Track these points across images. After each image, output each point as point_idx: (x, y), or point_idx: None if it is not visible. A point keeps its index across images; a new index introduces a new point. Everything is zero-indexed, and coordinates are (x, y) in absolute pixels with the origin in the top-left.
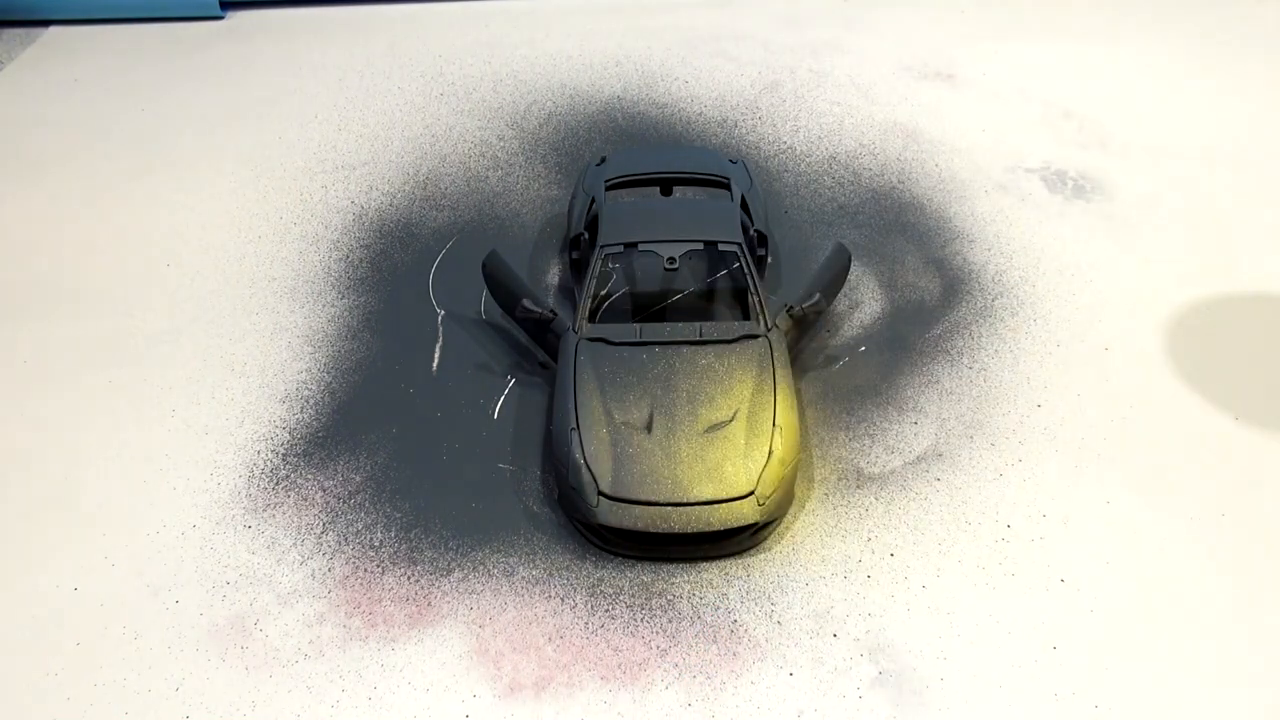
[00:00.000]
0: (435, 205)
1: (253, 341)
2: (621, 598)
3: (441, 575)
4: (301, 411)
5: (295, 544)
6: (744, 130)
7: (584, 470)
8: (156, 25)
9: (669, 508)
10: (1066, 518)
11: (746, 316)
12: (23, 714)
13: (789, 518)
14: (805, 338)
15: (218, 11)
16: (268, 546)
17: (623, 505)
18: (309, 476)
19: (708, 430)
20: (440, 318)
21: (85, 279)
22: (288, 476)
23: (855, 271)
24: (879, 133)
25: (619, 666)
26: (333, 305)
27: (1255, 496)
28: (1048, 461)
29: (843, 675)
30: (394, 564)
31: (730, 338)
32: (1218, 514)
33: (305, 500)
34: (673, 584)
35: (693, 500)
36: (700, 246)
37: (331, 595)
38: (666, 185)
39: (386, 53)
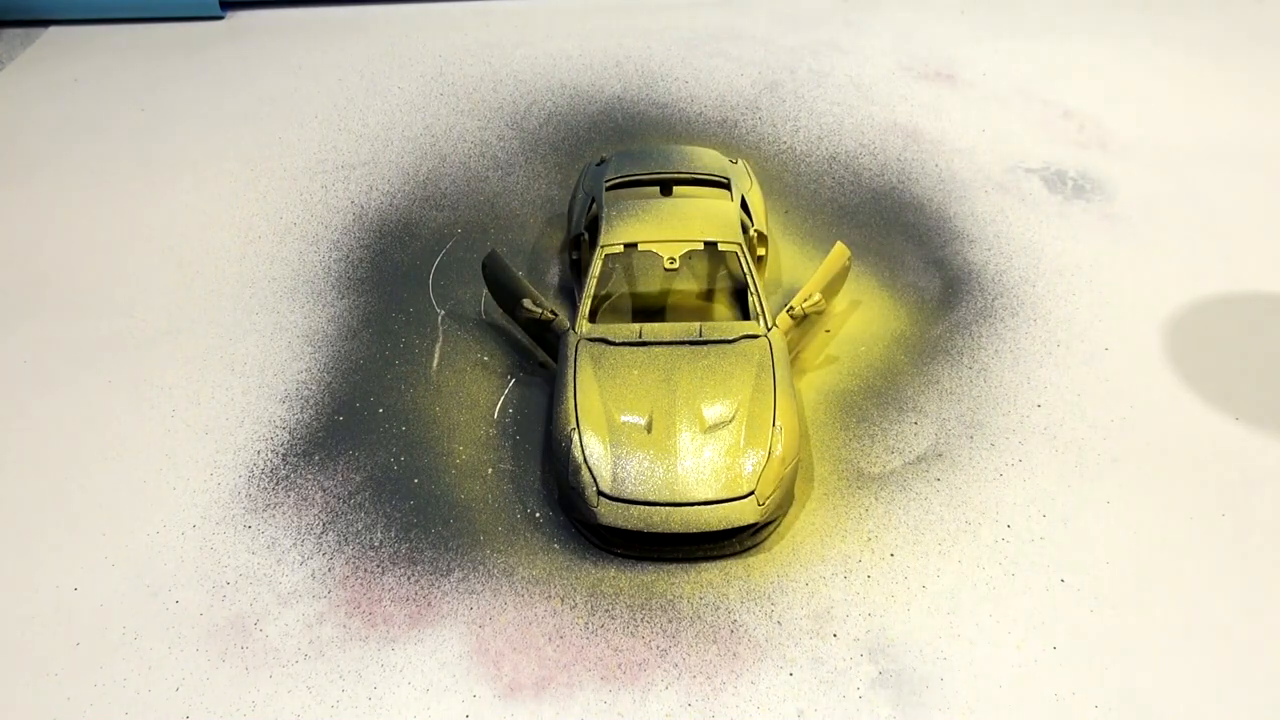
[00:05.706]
0: (435, 205)
1: (253, 341)
2: (621, 598)
3: (441, 575)
4: (301, 411)
5: (295, 544)
6: (744, 130)
7: (584, 470)
8: (156, 25)
9: (669, 508)
10: (1066, 518)
11: (746, 316)
12: (23, 714)
13: (789, 518)
14: (805, 338)
15: (218, 11)
16: (268, 546)
17: (623, 505)
18: (309, 476)
19: (708, 430)
20: (440, 318)
21: (85, 279)
22: (288, 476)
23: (855, 271)
24: (879, 133)
25: (619, 666)
26: (333, 305)
27: (1255, 496)
28: (1048, 461)
29: (843, 675)
30: (394, 564)
31: (730, 338)
32: (1218, 514)
33: (305, 500)
34: (673, 584)
35: (692, 500)
36: (700, 246)
37: (331, 595)
38: (666, 185)
39: (386, 53)
